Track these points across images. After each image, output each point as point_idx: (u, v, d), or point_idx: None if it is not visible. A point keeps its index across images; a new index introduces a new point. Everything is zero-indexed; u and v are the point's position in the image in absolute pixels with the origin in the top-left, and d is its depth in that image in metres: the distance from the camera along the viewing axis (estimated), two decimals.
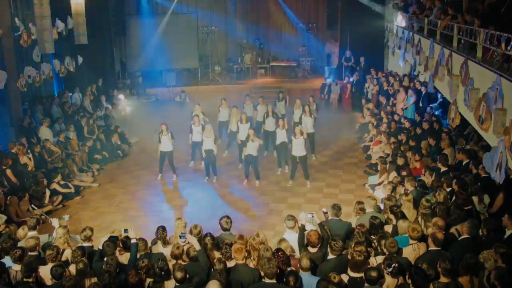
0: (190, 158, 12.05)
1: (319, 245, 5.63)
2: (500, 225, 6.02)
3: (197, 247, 5.48)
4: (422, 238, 5.87)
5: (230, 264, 5.40)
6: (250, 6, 21.75)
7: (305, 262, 5.09)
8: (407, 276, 4.83)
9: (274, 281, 4.81)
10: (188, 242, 5.70)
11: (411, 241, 5.71)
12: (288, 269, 5.23)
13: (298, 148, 10.29)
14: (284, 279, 4.83)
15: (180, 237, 5.87)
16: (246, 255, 5.41)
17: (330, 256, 5.45)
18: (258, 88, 17.91)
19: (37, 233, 6.47)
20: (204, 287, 4.77)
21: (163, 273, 5.06)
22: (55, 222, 6.63)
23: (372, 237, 6.08)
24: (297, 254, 5.90)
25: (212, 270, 5.22)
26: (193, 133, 11.27)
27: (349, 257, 5.27)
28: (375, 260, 5.49)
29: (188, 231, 6.16)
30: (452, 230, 6.07)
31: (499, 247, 5.07)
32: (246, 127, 10.96)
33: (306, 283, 4.92)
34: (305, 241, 5.76)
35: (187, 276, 4.96)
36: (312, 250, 5.62)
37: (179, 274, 4.85)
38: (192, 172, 11.69)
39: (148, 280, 5.14)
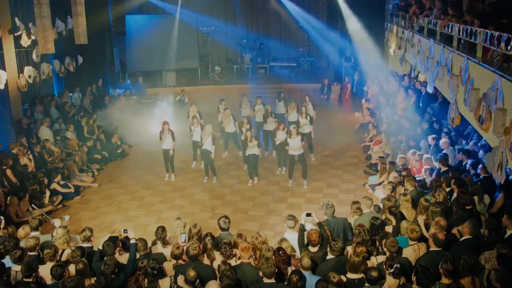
0: (191, 158, 12.06)
1: (319, 244, 5.63)
2: (501, 225, 6.02)
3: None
4: (424, 238, 5.88)
5: (232, 263, 5.39)
6: (250, 6, 21.76)
7: (306, 261, 5.10)
8: (413, 275, 4.82)
9: (273, 280, 4.82)
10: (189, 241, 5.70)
11: (411, 242, 5.71)
12: (289, 268, 5.24)
13: (295, 148, 10.35)
14: (288, 277, 4.81)
15: (181, 235, 5.88)
16: (252, 254, 5.41)
17: (330, 256, 5.46)
18: (258, 88, 17.90)
19: (40, 233, 6.46)
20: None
21: (155, 272, 5.05)
22: (56, 222, 6.63)
23: (373, 237, 6.08)
24: (298, 254, 5.91)
25: (218, 271, 5.19)
26: (193, 133, 11.31)
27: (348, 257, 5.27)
28: (376, 260, 5.49)
29: (187, 231, 6.17)
30: (454, 231, 6.06)
31: (501, 247, 5.06)
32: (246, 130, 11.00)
33: (307, 281, 4.92)
34: (305, 241, 5.76)
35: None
36: (313, 249, 5.62)
37: (192, 273, 4.83)
38: (192, 172, 11.69)
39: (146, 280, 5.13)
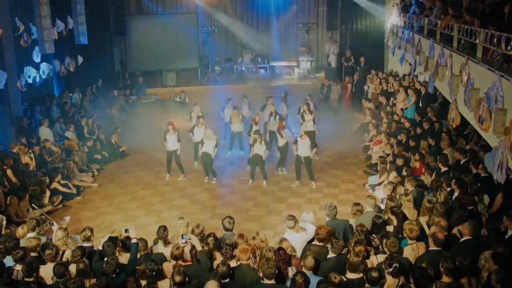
0: (191, 158, 12.02)
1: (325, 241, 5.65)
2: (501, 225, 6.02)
3: (199, 247, 5.47)
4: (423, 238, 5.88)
5: (232, 264, 5.38)
6: (250, 6, 21.77)
7: (310, 260, 5.07)
8: (410, 276, 4.82)
9: (273, 281, 4.80)
10: (189, 243, 5.70)
11: (409, 241, 5.72)
12: (289, 268, 5.23)
13: (304, 149, 10.34)
14: (292, 278, 4.80)
15: (182, 236, 5.85)
16: (250, 255, 5.41)
17: (330, 254, 5.45)
18: (258, 88, 17.91)
19: (36, 234, 6.45)
20: None
21: (154, 273, 5.04)
22: (55, 226, 6.63)
23: (374, 235, 6.08)
24: (298, 254, 5.91)
25: (215, 271, 5.19)
26: (195, 134, 11.31)
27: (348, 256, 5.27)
28: (376, 259, 5.49)
29: (190, 231, 6.16)
30: (454, 231, 6.06)
31: (497, 247, 5.06)
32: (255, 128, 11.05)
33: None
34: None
35: (187, 278, 4.95)
36: (318, 243, 5.63)
37: (177, 278, 4.84)
38: (192, 172, 11.68)
39: (144, 282, 5.13)
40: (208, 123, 12.03)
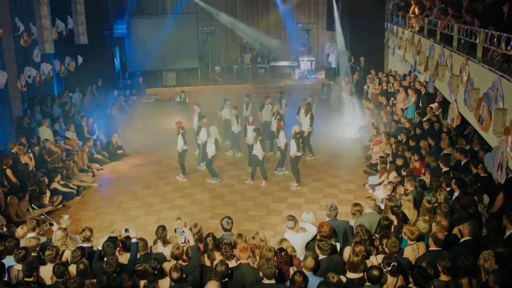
0: (191, 159, 12.01)
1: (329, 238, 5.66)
2: (501, 225, 6.01)
3: (192, 241, 5.48)
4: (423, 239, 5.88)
5: (231, 263, 5.38)
6: (250, 6, 21.76)
7: (310, 261, 5.05)
8: (409, 276, 4.82)
9: (273, 281, 4.79)
10: (189, 241, 5.70)
11: (409, 242, 5.72)
12: (290, 269, 5.23)
13: (291, 148, 10.41)
14: (291, 278, 4.79)
15: (176, 230, 5.86)
16: (250, 254, 5.41)
17: (321, 256, 5.43)
18: (258, 88, 17.91)
19: (36, 235, 6.44)
20: (199, 285, 4.77)
21: (155, 271, 5.05)
22: (55, 226, 6.63)
23: (375, 235, 6.08)
24: (298, 254, 5.91)
25: (214, 269, 5.19)
26: (201, 134, 11.31)
27: (346, 255, 5.27)
28: (376, 259, 5.49)
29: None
30: (455, 230, 6.06)
31: (497, 247, 5.06)
32: (251, 128, 11.03)
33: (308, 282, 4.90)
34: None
35: (183, 275, 4.95)
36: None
37: (175, 274, 4.84)
38: (192, 172, 11.68)
39: (143, 282, 5.12)
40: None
